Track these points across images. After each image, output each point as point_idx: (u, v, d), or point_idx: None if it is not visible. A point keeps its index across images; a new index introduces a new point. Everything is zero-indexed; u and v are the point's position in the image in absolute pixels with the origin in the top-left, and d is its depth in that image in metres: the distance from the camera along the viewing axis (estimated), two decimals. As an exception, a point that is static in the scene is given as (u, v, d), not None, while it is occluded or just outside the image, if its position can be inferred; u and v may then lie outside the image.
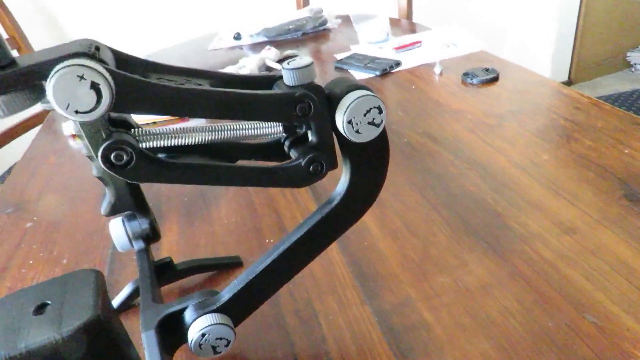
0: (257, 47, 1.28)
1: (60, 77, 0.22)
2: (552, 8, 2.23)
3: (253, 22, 1.37)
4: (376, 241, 0.48)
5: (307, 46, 1.22)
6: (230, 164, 0.30)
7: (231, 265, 0.49)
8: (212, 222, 0.55)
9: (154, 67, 0.30)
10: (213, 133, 0.29)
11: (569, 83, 2.42)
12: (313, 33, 1.31)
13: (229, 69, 1.03)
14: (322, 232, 0.35)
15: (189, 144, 0.29)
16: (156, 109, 0.25)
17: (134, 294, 0.45)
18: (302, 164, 0.30)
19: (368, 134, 0.31)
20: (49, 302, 0.17)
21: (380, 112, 0.31)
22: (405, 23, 1.27)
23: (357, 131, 0.31)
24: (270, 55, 1.09)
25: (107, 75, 0.23)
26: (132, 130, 0.28)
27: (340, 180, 0.34)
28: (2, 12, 1.48)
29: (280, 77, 0.33)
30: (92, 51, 0.24)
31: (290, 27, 1.30)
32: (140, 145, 0.28)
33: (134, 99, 0.24)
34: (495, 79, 0.80)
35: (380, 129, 0.32)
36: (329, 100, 0.31)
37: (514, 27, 2.46)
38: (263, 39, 1.31)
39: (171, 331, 0.36)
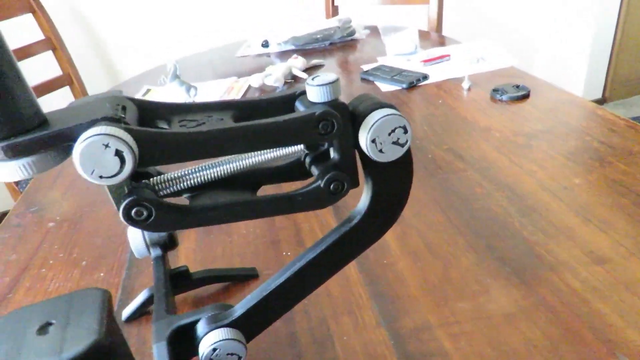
0: (284, 55, 1.29)
1: (87, 146, 0.23)
2: (588, 23, 2.18)
3: (281, 30, 1.38)
4: (396, 260, 0.47)
5: (334, 56, 1.22)
6: (248, 199, 0.29)
7: (247, 277, 0.48)
8: (230, 232, 0.55)
9: (175, 109, 0.30)
10: (231, 165, 0.29)
11: (602, 101, 2.35)
12: (340, 43, 1.31)
13: (256, 77, 1.03)
14: (340, 250, 0.34)
15: (208, 181, 0.29)
16: (180, 157, 0.25)
17: (149, 301, 0.45)
18: (322, 185, 0.30)
19: (392, 154, 0.30)
20: (54, 321, 0.17)
21: (406, 131, 0.30)
22: (434, 36, 1.26)
23: (380, 150, 0.30)
24: (297, 64, 1.09)
25: (131, 142, 0.23)
26: (151, 179, 0.28)
27: (361, 199, 0.33)
28: (40, 14, 1.53)
29: (303, 92, 0.32)
30: (118, 115, 0.24)
31: (318, 36, 1.30)
32: (160, 192, 0.28)
33: (158, 153, 0.25)
34: (525, 96, 0.78)
35: (404, 149, 0.31)
36: (353, 117, 0.31)
37: (546, 41, 2.41)
38: (291, 47, 1.31)
39: (183, 343, 0.35)
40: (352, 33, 1.32)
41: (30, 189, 0.75)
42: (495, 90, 0.80)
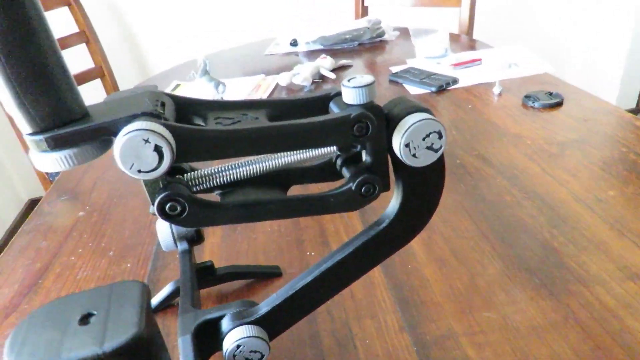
0: (312, 54, 1.29)
1: (127, 140, 0.23)
2: (624, 30, 2.11)
3: (310, 29, 1.38)
4: (421, 266, 0.46)
5: (362, 57, 1.22)
6: (280, 198, 0.30)
7: (270, 275, 0.49)
8: (255, 229, 0.55)
9: (211, 106, 0.30)
10: (264, 164, 0.29)
11: (636, 111, 2.28)
12: (369, 44, 1.30)
13: (284, 75, 1.04)
14: (367, 253, 0.34)
15: (240, 179, 0.29)
16: (216, 154, 0.26)
17: (174, 294, 0.46)
18: (353, 187, 0.29)
19: (425, 159, 0.30)
20: (95, 312, 0.17)
21: (440, 137, 0.30)
22: (465, 39, 1.24)
23: (414, 155, 0.30)
24: (325, 64, 1.09)
25: (170, 138, 0.24)
26: (185, 175, 0.29)
27: (390, 203, 0.33)
28: (75, 8, 1.57)
29: (338, 94, 0.32)
30: (157, 110, 0.25)
31: (347, 36, 1.30)
32: (193, 188, 0.28)
33: (195, 149, 0.25)
34: (559, 104, 0.76)
35: (438, 155, 0.31)
36: (387, 120, 0.30)
37: (580, 47, 2.35)
38: (319, 46, 1.31)
39: (207, 337, 0.35)
40: (382, 34, 1.31)
41: (62, 178, 0.77)
42: (527, 97, 0.79)
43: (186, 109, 0.30)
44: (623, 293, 0.40)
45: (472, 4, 1.39)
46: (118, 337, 0.16)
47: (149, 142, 0.23)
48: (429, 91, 0.90)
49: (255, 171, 0.30)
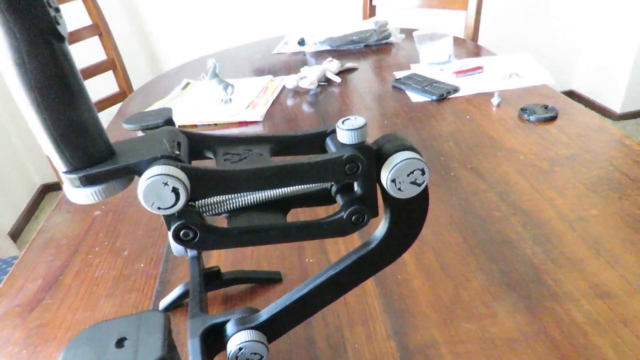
0: (319, 55, 1.32)
1: (149, 184, 0.27)
2: (633, 32, 2.11)
3: (318, 29, 1.41)
4: (410, 277, 0.50)
5: (368, 59, 1.24)
6: (280, 224, 0.33)
7: (271, 280, 0.53)
8: (259, 235, 0.59)
9: (220, 141, 0.34)
10: (267, 193, 0.33)
11: (641, 114, 2.29)
12: (376, 46, 1.33)
13: (290, 78, 1.07)
14: (357, 270, 0.38)
15: (246, 206, 0.33)
16: (225, 191, 0.30)
17: (183, 295, 0.50)
18: (344, 216, 0.33)
19: (409, 192, 0.34)
20: (127, 337, 0.21)
21: (424, 173, 0.33)
22: (470, 45, 1.26)
23: (399, 189, 0.33)
24: (331, 67, 1.12)
25: (185, 180, 0.27)
26: (196, 203, 0.33)
27: (379, 226, 0.37)
28: (89, 1, 1.60)
29: (334, 131, 0.36)
30: (174, 152, 0.29)
31: (354, 38, 1.33)
32: (204, 214, 0.32)
33: (206, 188, 0.29)
34: (553, 118, 0.79)
35: (421, 189, 0.34)
36: (377, 154, 0.34)
37: (588, 48, 2.35)
38: (326, 47, 1.34)
39: (213, 340, 0.40)
40: (388, 36, 1.34)
41: (79, 176, 0.82)
42: (523, 110, 0.82)
43: (199, 143, 0.34)
44: (592, 310, 0.44)
45: (478, 7, 1.41)
46: (147, 358, 0.20)
47: (168, 185, 0.27)
48: (430, 99, 0.93)
49: (259, 199, 0.34)
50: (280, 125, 0.92)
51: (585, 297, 0.45)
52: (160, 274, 0.56)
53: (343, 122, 0.33)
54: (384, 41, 1.34)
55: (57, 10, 0.26)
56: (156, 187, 0.27)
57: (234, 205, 0.34)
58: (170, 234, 0.31)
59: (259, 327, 0.39)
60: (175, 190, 0.27)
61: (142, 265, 0.58)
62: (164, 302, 0.51)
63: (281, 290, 0.51)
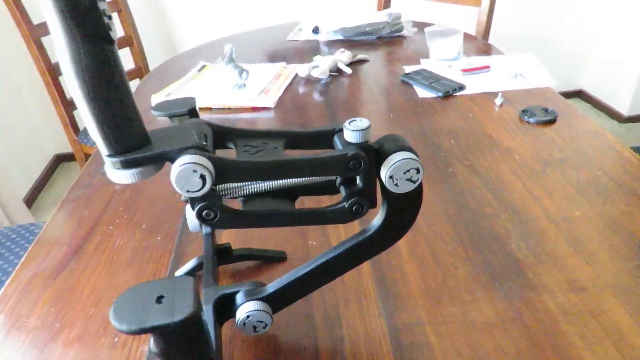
0: (332, 44, 1.35)
1: (181, 170, 0.32)
2: (646, 36, 2.12)
3: (332, 18, 1.43)
4: (403, 263, 0.55)
5: (379, 51, 1.27)
6: (290, 210, 0.38)
7: (277, 259, 0.58)
8: (267, 216, 0.64)
9: (241, 134, 0.39)
10: (279, 182, 0.38)
11: (648, 117, 2.30)
12: (388, 38, 1.36)
13: (303, 67, 1.11)
14: (355, 254, 0.43)
15: (260, 192, 0.38)
16: (244, 179, 0.35)
17: (197, 268, 0.55)
18: (346, 206, 0.38)
19: (404, 188, 0.38)
20: (165, 295, 0.26)
21: (418, 172, 0.38)
22: (479, 42, 1.29)
23: (396, 184, 0.38)
24: (343, 58, 1.15)
25: (211, 168, 0.32)
26: (217, 187, 0.37)
27: (376, 216, 0.41)
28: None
29: (341, 130, 0.40)
30: (202, 144, 0.33)
31: (367, 29, 1.36)
32: (223, 197, 0.37)
33: (228, 176, 0.34)
34: (552, 121, 0.83)
35: (415, 185, 0.38)
36: (378, 152, 0.38)
37: (599, 51, 2.36)
38: (339, 37, 1.37)
39: (224, 308, 0.45)
40: (400, 29, 1.37)
41: (98, 152, 0.87)
42: (524, 111, 0.85)
43: (222, 136, 0.38)
44: (564, 302, 0.48)
45: (491, 4, 1.43)
46: (182, 313, 0.25)
47: (196, 172, 0.32)
48: (436, 96, 0.97)
49: (272, 186, 0.39)
50: (290, 113, 0.97)
51: (560, 290, 0.50)
52: (175, 247, 0.61)
53: (350, 122, 0.37)
54: (396, 34, 1.36)
55: (110, 18, 0.30)
56: (186, 173, 0.32)
57: (250, 191, 0.39)
58: (194, 213, 0.35)
59: (265, 299, 0.44)
60: (202, 177, 0.32)
61: (158, 238, 0.63)
62: (178, 273, 0.56)
63: (285, 269, 0.56)
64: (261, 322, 0.44)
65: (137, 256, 0.60)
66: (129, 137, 0.33)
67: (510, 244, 0.57)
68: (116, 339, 0.49)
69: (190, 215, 0.53)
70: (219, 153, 0.36)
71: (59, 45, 0.29)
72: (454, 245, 0.57)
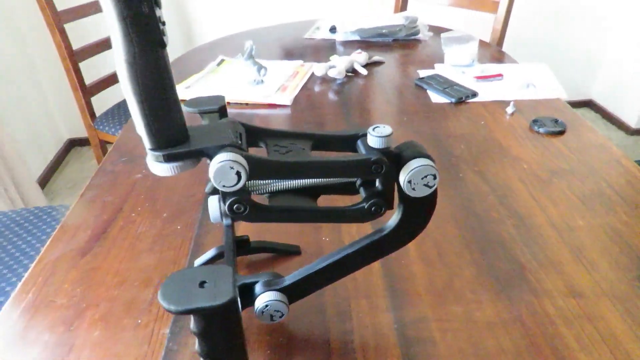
0: (348, 44, 1.37)
1: (220, 167, 0.35)
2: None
3: (350, 18, 1.46)
4: (411, 262, 0.58)
5: (395, 53, 1.30)
6: (313, 207, 0.41)
7: (291, 252, 0.61)
8: (283, 211, 0.67)
9: (271, 134, 0.42)
10: (303, 181, 0.40)
11: (656, 130, 2.31)
12: (403, 41, 1.38)
13: (320, 66, 1.13)
14: (371, 251, 0.46)
15: (285, 189, 0.40)
16: (274, 177, 0.37)
17: (216, 257, 0.58)
18: (365, 207, 0.41)
19: (421, 192, 0.41)
20: (207, 281, 0.29)
21: (435, 178, 0.41)
22: (494, 50, 1.31)
23: (413, 189, 0.41)
24: (359, 59, 1.18)
25: (246, 165, 0.35)
26: (247, 183, 0.40)
27: (392, 217, 0.44)
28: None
29: (364, 135, 0.43)
30: (238, 142, 0.36)
31: (384, 31, 1.38)
32: (252, 192, 0.40)
33: (261, 173, 0.37)
34: (561, 132, 0.85)
35: (431, 190, 0.41)
36: (397, 158, 0.41)
37: (610, 62, 2.37)
38: (356, 37, 1.39)
39: (244, 296, 0.48)
40: (416, 33, 1.39)
41: (121, 139, 0.90)
42: (534, 121, 0.88)
43: (254, 135, 0.41)
44: (563, 306, 0.51)
45: (507, 12, 1.45)
46: (223, 297, 0.28)
47: (233, 169, 0.35)
48: (449, 101, 0.99)
49: (297, 185, 0.42)
50: (306, 111, 0.99)
51: (559, 295, 0.52)
52: (194, 236, 0.64)
53: (374, 129, 0.40)
54: (412, 37, 1.39)
55: (164, 24, 0.33)
56: (224, 170, 0.35)
57: (276, 188, 0.41)
58: (216, 204, 0.39)
59: (283, 290, 0.47)
60: (238, 173, 0.35)
61: (178, 227, 0.66)
62: (198, 261, 0.59)
63: (299, 262, 0.59)
64: (278, 311, 0.47)
65: (158, 243, 0.63)
66: (172, 134, 0.36)
67: (514, 248, 0.59)
68: (139, 321, 0.52)
69: (213, 206, 0.56)
70: (250, 151, 0.39)
71: (116, 48, 0.32)
72: (460, 248, 0.60)
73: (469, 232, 0.62)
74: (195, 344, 0.32)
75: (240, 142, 0.37)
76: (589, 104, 2.55)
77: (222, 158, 0.34)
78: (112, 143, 1.64)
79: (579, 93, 2.51)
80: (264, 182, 0.41)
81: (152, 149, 0.36)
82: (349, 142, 0.43)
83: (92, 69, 1.65)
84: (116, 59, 0.33)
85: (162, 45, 0.33)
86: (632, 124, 2.28)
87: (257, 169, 0.36)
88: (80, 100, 1.57)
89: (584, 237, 0.61)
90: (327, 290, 0.54)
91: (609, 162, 0.76)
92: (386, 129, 0.40)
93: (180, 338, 0.49)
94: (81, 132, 2.27)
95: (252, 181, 0.41)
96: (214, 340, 0.31)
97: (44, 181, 2.05)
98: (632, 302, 0.52)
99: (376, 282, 0.55)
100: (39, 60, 2.10)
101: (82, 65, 1.55)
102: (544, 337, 0.48)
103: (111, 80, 1.66)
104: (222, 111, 0.46)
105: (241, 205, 0.38)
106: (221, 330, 0.31)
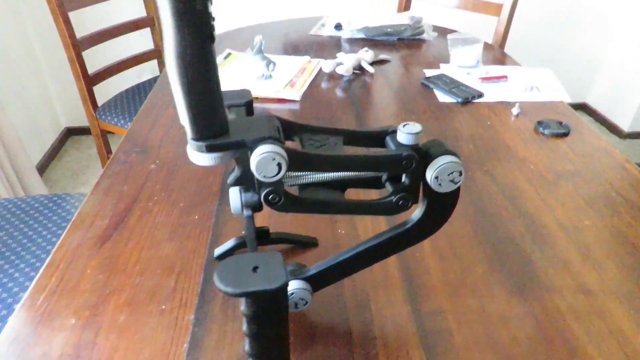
0: (353, 42, 1.39)
1: (262, 158, 0.36)
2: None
3: (355, 16, 1.47)
4: (426, 256, 0.60)
5: (400, 52, 1.31)
6: (343, 200, 0.42)
7: (309, 244, 0.62)
8: (298, 205, 0.68)
9: (303, 128, 0.43)
10: (335, 174, 0.42)
11: (648, 135, 2.36)
12: (408, 40, 1.40)
13: (328, 63, 1.15)
14: (392, 244, 0.47)
15: (316, 181, 0.42)
16: (312, 169, 0.39)
17: (236, 247, 0.60)
18: (393, 200, 0.42)
19: (447, 188, 0.43)
20: (259, 266, 0.30)
21: (460, 174, 0.42)
22: (497, 52, 1.33)
23: (439, 184, 0.42)
24: (366, 57, 1.19)
25: (286, 157, 0.36)
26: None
27: (415, 211, 0.46)
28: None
29: (393, 132, 0.44)
30: (277, 135, 0.38)
31: (389, 30, 1.39)
32: (285, 183, 0.41)
33: (299, 165, 0.38)
34: (565, 134, 0.88)
35: (456, 186, 0.43)
36: (425, 155, 0.43)
37: (606, 67, 2.41)
38: (362, 35, 1.41)
39: None
40: (421, 33, 1.40)
41: (132, 129, 0.90)
42: (539, 123, 0.90)
43: (289, 129, 0.42)
44: (573, 302, 0.53)
45: (510, 15, 1.47)
46: (277, 282, 0.29)
47: (275, 160, 0.36)
48: (455, 101, 1.01)
49: (327, 177, 0.43)
50: (315, 107, 1.01)
51: (569, 291, 0.55)
52: (212, 226, 0.65)
53: (404, 126, 0.41)
54: (417, 37, 1.40)
55: (214, 19, 0.34)
56: (266, 161, 0.36)
57: (308, 180, 0.43)
58: (238, 195, 0.40)
59: (307, 279, 0.48)
60: (279, 165, 0.36)
61: (196, 217, 0.67)
62: (218, 251, 0.60)
63: (316, 254, 0.61)
64: (302, 299, 0.48)
65: (176, 232, 0.64)
66: (214, 125, 0.37)
67: (524, 247, 0.61)
68: (163, 307, 0.53)
69: (234, 197, 0.58)
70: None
71: (167, 41, 0.33)
72: (472, 244, 0.62)
73: (480, 229, 0.64)
74: (243, 325, 0.33)
75: (279, 135, 0.39)
76: (583, 107, 2.59)
77: (264, 150, 0.36)
78: (113, 133, 1.64)
79: (575, 96, 2.55)
80: (297, 174, 0.43)
81: (195, 139, 0.37)
82: (378, 138, 0.44)
83: (93, 58, 1.64)
84: (166, 52, 0.34)
85: (212, 39, 0.34)
86: (625, 128, 2.33)
87: (296, 161, 0.38)
88: (83, 90, 1.56)
89: (590, 237, 0.63)
90: (346, 282, 0.56)
91: (612, 166, 0.79)
92: (416, 127, 0.41)
93: (205, 324, 0.51)
94: (79, 121, 2.26)
95: (286, 173, 0.42)
96: (262, 322, 0.32)
97: (41, 169, 2.03)
98: (638, 299, 0.54)
99: (393, 274, 0.57)
100: (41, 49, 2.08)
101: (86, 54, 1.54)
102: (555, 330, 0.50)
103: (114, 69, 1.66)
104: (248, 106, 0.48)
105: (276, 195, 0.40)
106: (271, 312, 0.32)
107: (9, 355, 0.48)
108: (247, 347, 0.36)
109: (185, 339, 0.49)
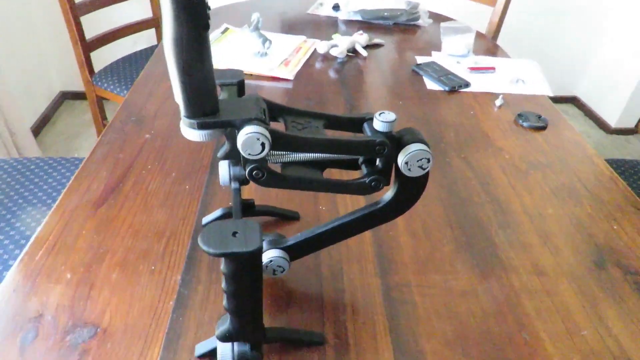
0: (350, 24, 1.41)
1: (248, 137, 0.40)
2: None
3: (353, -2, 1.48)
4: (399, 234, 0.65)
5: (394, 37, 1.34)
6: (322, 179, 0.47)
7: (291, 217, 0.67)
8: (284, 180, 0.73)
9: (288, 110, 0.47)
10: (314, 155, 0.46)
11: (634, 131, 2.42)
12: (403, 25, 1.42)
13: (322, 44, 1.17)
14: (366, 221, 0.52)
15: (298, 160, 0.46)
16: (293, 150, 0.43)
17: (222, 217, 0.64)
18: (366, 181, 0.47)
19: (416, 173, 0.47)
20: (238, 232, 0.35)
21: (429, 161, 0.47)
22: (489, 43, 1.36)
23: (409, 169, 0.47)
24: (360, 40, 1.22)
25: (270, 138, 0.40)
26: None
27: (387, 192, 0.50)
28: None
29: (371, 119, 0.48)
30: (262, 117, 0.41)
31: (386, 14, 1.42)
32: (268, 160, 0.45)
33: (281, 145, 0.42)
34: (543, 128, 0.92)
35: (425, 172, 0.47)
36: (398, 141, 0.47)
37: (597, 61, 2.44)
38: (358, 17, 1.43)
39: None
40: (417, 18, 1.43)
41: (129, 99, 0.93)
42: (519, 115, 0.94)
43: (274, 111, 0.46)
44: (527, 282, 0.59)
45: (505, 6, 1.50)
46: (252, 245, 0.34)
47: (259, 140, 0.40)
48: (443, 89, 1.05)
49: (307, 157, 0.48)
50: (307, 87, 1.04)
51: (525, 272, 0.60)
52: (202, 196, 0.69)
53: (380, 114, 0.45)
54: (412, 22, 1.43)
55: (209, 8, 0.38)
56: (251, 141, 0.40)
57: (290, 159, 0.47)
58: (227, 169, 0.44)
59: (285, 249, 0.53)
60: (262, 144, 0.40)
61: (187, 187, 0.71)
62: (206, 219, 0.65)
63: (298, 227, 0.66)
64: (280, 267, 0.53)
65: (168, 200, 0.68)
66: (206, 105, 0.41)
67: (490, 229, 0.66)
68: (153, 267, 0.58)
69: (223, 170, 0.62)
70: (271, 126, 0.44)
71: (166, 27, 0.37)
72: (443, 225, 0.67)
73: (452, 212, 0.69)
74: (222, 283, 0.38)
75: (264, 117, 0.43)
76: (573, 100, 2.64)
77: (250, 130, 0.40)
78: (108, 99, 1.65)
79: (564, 89, 2.59)
80: (279, 153, 0.47)
81: (187, 117, 0.41)
82: (357, 124, 0.48)
83: (89, 25, 1.64)
84: (165, 36, 0.37)
85: (206, 27, 0.37)
86: (612, 123, 2.38)
87: (279, 142, 0.42)
88: (80, 56, 1.58)
89: (552, 224, 0.68)
90: (322, 253, 0.61)
91: (582, 160, 0.84)
92: (390, 116, 0.45)
93: (191, 285, 0.55)
94: (74, 85, 2.26)
95: (270, 151, 0.46)
96: (238, 280, 0.37)
97: (35, 133, 2.05)
98: (586, 282, 0.59)
99: (367, 249, 0.62)
100: (38, 11, 2.07)
101: (84, 19, 1.55)
102: (508, 306, 0.56)
103: (112, 36, 1.66)
104: (240, 85, 0.51)
105: (260, 171, 0.44)
106: (246, 272, 0.37)
107: (10, 305, 0.53)
108: (225, 302, 0.40)
109: (172, 297, 0.54)
